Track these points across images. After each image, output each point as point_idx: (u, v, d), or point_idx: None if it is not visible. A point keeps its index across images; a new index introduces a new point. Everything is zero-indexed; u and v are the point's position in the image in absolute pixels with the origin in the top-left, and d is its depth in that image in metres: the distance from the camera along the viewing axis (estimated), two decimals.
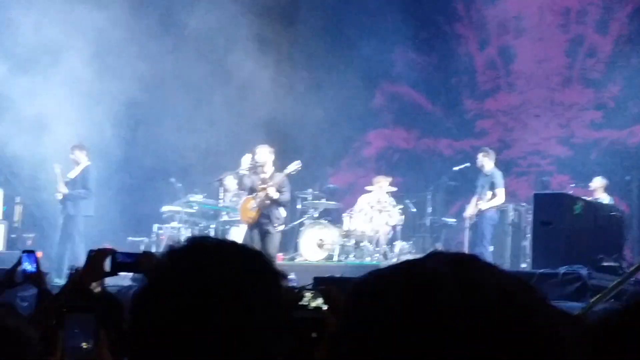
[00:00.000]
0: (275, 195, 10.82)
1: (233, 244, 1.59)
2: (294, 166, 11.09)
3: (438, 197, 14.51)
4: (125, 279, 9.58)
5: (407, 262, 1.09)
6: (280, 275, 1.50)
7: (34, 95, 13.17)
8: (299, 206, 13.71)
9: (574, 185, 13.42)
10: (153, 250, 10.73)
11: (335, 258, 12.33)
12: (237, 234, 12.91)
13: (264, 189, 10.86)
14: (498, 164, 12.71)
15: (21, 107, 13.23)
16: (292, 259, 12.75)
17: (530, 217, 11.81)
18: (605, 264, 9.88)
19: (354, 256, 12.41)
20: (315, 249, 12.49)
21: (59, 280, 9.96)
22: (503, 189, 12.33)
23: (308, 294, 2.14)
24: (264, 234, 10.96)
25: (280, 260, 12.22)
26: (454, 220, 14.30)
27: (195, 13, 14.86)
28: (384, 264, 10.56)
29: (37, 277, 3.43)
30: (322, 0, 16.37)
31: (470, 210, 12.58)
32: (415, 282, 1.02)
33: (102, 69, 13.65)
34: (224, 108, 15.03)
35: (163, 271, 1.51)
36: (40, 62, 13.38)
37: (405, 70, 16.56)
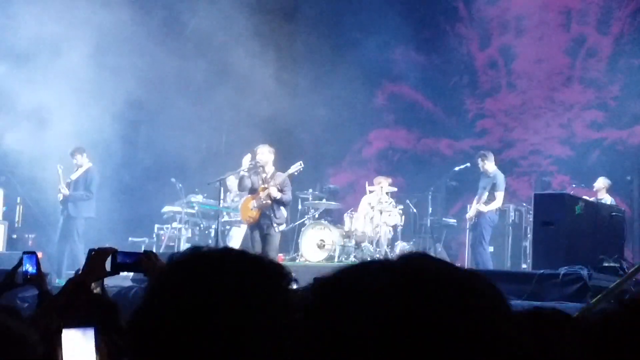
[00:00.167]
0: (277, 195, 10.81)
1: (235, 252, 1.58)
2: (296, 167, 11.08)
3: (439, 198, 14.51)
4: (126, 279, 9.61)
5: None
6: (285, 280, 1.50)
7: (34, 95, 13.17)
8: (299, 206, 13.70)
9: (574, 185, 13.42)
10: (154, 250, 10.72)
11: (336, 259, 12.31)
12: (238, 234, 12.92)
13: (265, 188, 10.85)
14: (499, 165, 12.70)
15: (22, 108, 13.23)
16: (293, 259, 12.74)
17: (530, 218, 11.80)
18: (605, 264, 9.86)
19: (355, 257, 12.39)
20: (315, 249, 12.48)
21: (59, 281, 9.97)
22: (503, 193, 12.30)
23: None
24: (265, 234, 10.94)
25: (280, 260, 12.22)
26: (455, 220, 14.30)
27: (196, 13, 14.88)
28: None
29: (38, 279, 3.43)
30: (323, 2, 16.36)
31: (471, 212, 12.59)
32: (368, 271, 1.08)
33: (102, 69, 13.65)
34: (225, 108, 15.03)
35: (164, 281, 1.51)
36: (40, 62, 13.38)
37: (406, 70, 16.57)
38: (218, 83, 14.68)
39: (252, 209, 11.02)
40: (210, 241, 13.41)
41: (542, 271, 9.16)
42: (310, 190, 13.70)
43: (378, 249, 12.59)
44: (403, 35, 15.95)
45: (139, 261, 2.96)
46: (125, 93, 13.87)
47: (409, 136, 16.88)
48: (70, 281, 2.85)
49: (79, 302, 2.65)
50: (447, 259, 12.19)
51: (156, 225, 13.87)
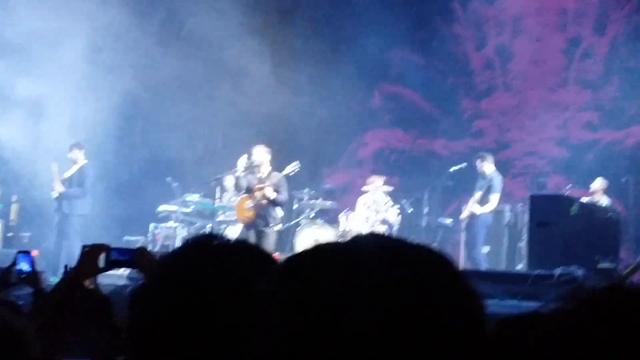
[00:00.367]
0: (272, 195, 10.81)
1: (236, 242, 1.57)
2: (293, 167, 11.08)
3: (435, 198, 14.51)
4: (121, 278, 9.58)
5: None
6: None
7: (30, 92, 13.16)
8: (295, 206, 13.70)
9: (570, 186, 13.43)
10: (149, 249, 10.71)
11: None
12: (234, 234, 12.91)
13: (261, 188, 10.85)
14: (495, 165, 12.70)
15: (17, 105, 13.21)
16: None
17: (526, 218, 11.81)
18: (601, 265, 9.89)
19: None
20: None
21: (54, 279, 9.94)
22: (498, 195, 12.30)
23: None
24: (260, 234, 10.95)
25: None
26: (450, 221, 14.30)
27: (194, 11, 14.86)
28: None
29: (33, 277, 3.42)
30: (320, 3, 16.36)
31: (465, 212, 12.59)
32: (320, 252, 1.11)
33: (98, 66, 13.64)
34: (222, 107, 15.03)
35: (163, 270, 1.50)
36: (36, 59, 13.36)
37: (402, 70, 16.58)
38: (215, 82, 14.68)
39: (247, 209, 11.02)
40: None
41: (537, 272, 9.19)
42: (306, 190, 13.70)
43: None
44: (399, 35, 15.96)
45: (133, 258, 2.95)
46: (122, 91, 13.87)
47: (405, 136, 16.89)
48: (63, 279, 2.84)
49: (73, 299, 2.64)
50: None
51: (152, 224, 13.86)
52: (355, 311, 1.00)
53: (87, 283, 2.86)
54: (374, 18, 15.77)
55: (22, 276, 3.43)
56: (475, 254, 12.23)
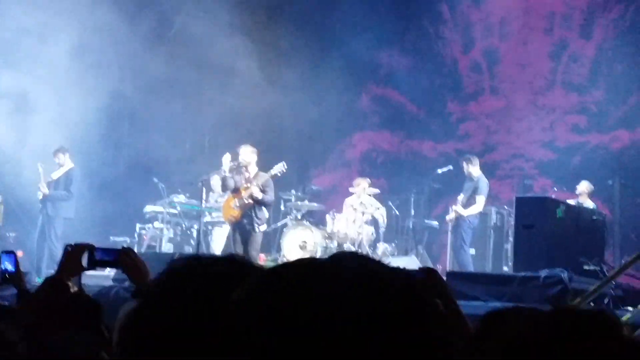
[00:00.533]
0: (258, 195, 10.80)
1: (229, 260, 1.56)
2: (279, 168, 11.07)
3: (421, 200, 14.54)
4: (107, 279, 9.55)
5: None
6: None
7: (16, 93, 13.10)
8: (282, 207, 13.69)
9: (556, 189, 13.48)
10: (135, 250, 10.68)
11: None
12: (220, 235, 12.90)
13: (248, 188, 10.85)
14: (481, 167, 12.73)
15: (3, 105, 13.15)
16: (275, 260, 12.72)
17: (512, 221, 11.85)
18: (586, 267, 9.92)
19: None
20: (297, 250, 12.47)
21: (39, 279, 9.89)
22: (484, 197, 12.33)
23: None
24: (246, 234, 10.94)
25: (262, 261, 12.21)
26: (437, 222, 14.34)
27: (181, 11, 14.85)
28: None
29: (17, 278, 3.41)
30: (308, 3, 16.36)
31: (451, 214, 12.62)
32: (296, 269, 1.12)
33: (85, 66, 13.59)
34: (208, 108, 15.01)
35: (159, 290, 1.50)
36: (22, 59, 13.31)
37: (390, 72, 16.61)
38: (202, 82, 14.66)
39: (234, 208, 11.01)
40: (192, 241, 13.39)
41: (523, 274, 9.21)
42: (293, 191, 13.69)
43: (360, 250, 12.61)
44: (387, 38, 16.00)
45: (117, 258, 2.94)
46: (109, 90, 13.83)
47: (392, 138, 16.91)
48: (47, 279, 2.83)
49: (57, 300, 2.63)
50: (429, 261, 12.19)
51: (138, 225, 13.83)
52: (325, 331, 1.01)
53: (71, 283, 2.85)
54: (362, 20, 15.80)
55: (5, 276, 3.41)
56: (462, 256, 12.26)
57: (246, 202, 10.86)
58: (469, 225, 12.34)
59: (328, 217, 13.03)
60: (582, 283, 8.75)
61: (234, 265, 1.52)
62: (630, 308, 7.97)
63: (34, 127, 13.15)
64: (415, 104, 16.66)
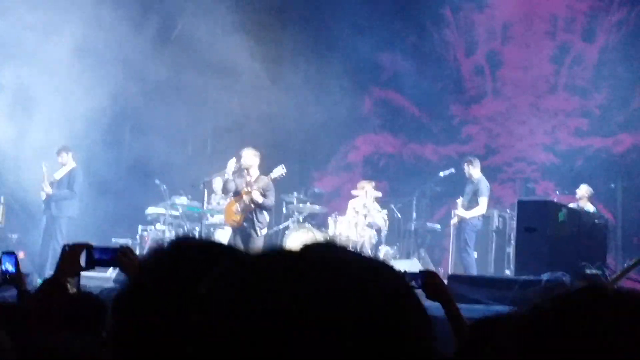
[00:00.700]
0: (259, 199, 10.79)
1: (217, 244, 1.56)
2: (279, 171, 11.05)
3: (423, 203, 14.52)
4: (108, 281, 9.55)
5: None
6: None
7: (19, 94, 13.10)
8: (284, 210, 13.69)
9: (558, 192, 13.47)
10: (137, 252, 10.67)
11: None
12: (222, 237, 12.88)
13: (248, 192, 10.84)
14: (483, 171, 12.73)
15: (6, 106, 13.16)
16: None
17: (514, 224, 11.84)
18: (588, 271, 9.90)
19: None
20: None
21: (40, 281, 9.88)
22: (486, 199, 12.32)
23: None
24: (248, 238, 10.92)
25: None
26: (439, 226, 14.32)
27: (184, 13, 14.84)
28: None
29: (17, 278, 3.41)
30: (310, 6, 16.37)
31: (455, 217, 12.62)
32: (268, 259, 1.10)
33: (87, 68, 13.59)
34: (211, 110, 15.01)
35: (146, 272, 1.49)
36: (24, 60, 13.31)
37: (393, 75, 16.60)
38: (204, 84, 14.66)
39: (235, 213, 11.00)
40: None
41: (524, 277, 9.20)
42: (295, 194, 13.68)
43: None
44: (390, 41, 16.00)
45: (115, 257, 2.92)
46: (111, 91, 13.82)
47: (395, 141, 16.91)
48: (45, 280, 2.83)
49: (56, 300, 2.62)
50: (431, 264, 12.15)
51: (139, 226, 13.82)
52: (290, 322, 0.99)
53: (70, 285, 2.84)
54: (365, 23, 15.80)
55: (6, 277, 3.41)
56: (465, 258, 12.25)
57: (247, 206, 10.85)
58: (472, 228, 12.34)
59: (330, 220, 13.02)
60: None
61: (221, 249, 1.52)
62: None
63: (35, 128, 13.15)
64: (418, 107, 16.65)
